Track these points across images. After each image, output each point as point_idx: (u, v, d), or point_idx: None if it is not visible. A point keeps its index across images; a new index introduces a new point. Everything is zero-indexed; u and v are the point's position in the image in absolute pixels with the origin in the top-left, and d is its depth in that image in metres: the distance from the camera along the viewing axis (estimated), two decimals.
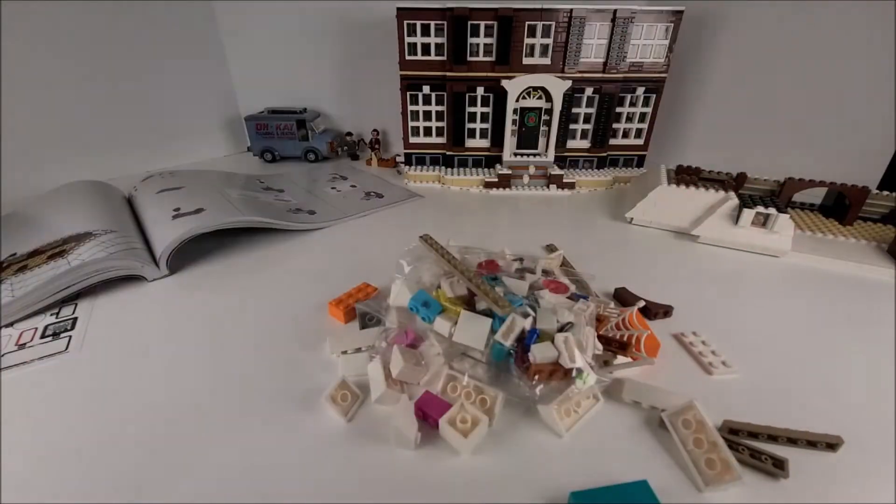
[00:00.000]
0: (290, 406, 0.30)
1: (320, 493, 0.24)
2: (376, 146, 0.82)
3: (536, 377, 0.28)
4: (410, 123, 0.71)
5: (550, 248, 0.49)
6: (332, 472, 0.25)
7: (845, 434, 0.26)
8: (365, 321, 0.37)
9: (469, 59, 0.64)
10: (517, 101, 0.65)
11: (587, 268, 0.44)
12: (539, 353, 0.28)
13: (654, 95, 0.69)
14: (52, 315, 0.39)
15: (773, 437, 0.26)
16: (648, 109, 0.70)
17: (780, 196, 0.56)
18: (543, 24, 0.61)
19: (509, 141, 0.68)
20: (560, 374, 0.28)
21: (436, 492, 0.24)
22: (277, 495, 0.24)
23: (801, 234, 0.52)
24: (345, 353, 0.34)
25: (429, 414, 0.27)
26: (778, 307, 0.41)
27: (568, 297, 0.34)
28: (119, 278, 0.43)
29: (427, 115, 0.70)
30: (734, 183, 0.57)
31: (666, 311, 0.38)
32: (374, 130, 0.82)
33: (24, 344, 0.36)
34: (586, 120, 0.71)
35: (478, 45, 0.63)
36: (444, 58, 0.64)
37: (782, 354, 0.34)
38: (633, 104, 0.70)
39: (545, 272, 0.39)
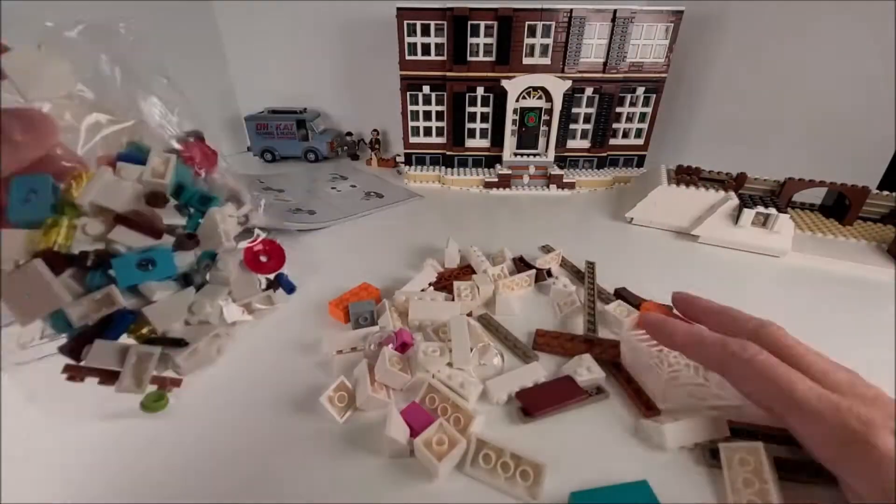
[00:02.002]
0: (289, 406, 0.30)
1: (314, 494, 0.24)
2: (376, 146, 0.82)
3: None
4: (410, 123, 0.71)
5: (546, 249, 0.49)
6: (327, 474, 0.25)
7: None
8: (358, 321, 0.37)
9: (469, 59, 0.64)
10: (517, 101, 0.65)
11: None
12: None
13: (654, 95, 0.69)
14: None
15: (770, 436, 0.26)
16: (648, 109, 0.70)
17: (780, 196, 0.56)
18: (543, 24, 0.61)
19: (509, 141, 0.68)
20: None
21: (435, 491, 0.24)
22: (271, 495, 0.24)
23: (801, 234, 0.52)
24: (340, 352, 0.34)
25: (412, 426, 0.26)
26: (778, 307, 0.41)
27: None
28: None
29: (427, 115, 0.70)
30: (734, 183, 0.57)
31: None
32: (374, 130, 0.82)
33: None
34: (586, 120, 0.71)
35: (478, 45, 0.63)
36: (444, 58, 0.64)
37: None
38: (633, 104, 0.70)
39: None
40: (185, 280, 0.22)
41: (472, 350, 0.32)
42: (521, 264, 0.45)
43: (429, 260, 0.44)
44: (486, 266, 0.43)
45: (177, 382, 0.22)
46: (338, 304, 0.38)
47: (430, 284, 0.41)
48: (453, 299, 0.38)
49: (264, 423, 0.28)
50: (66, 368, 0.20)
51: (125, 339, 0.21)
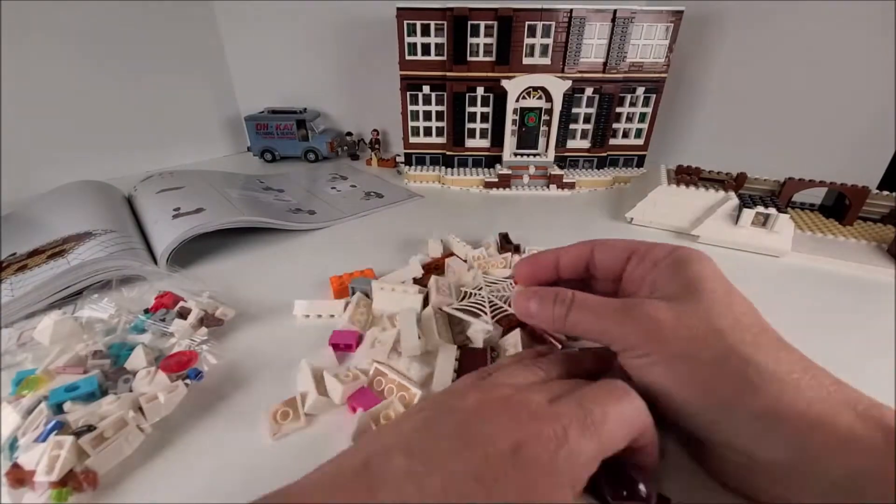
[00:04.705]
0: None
1: None
2: (376, 146, 0.82)
3: None
4: (410, 123, 0.71)
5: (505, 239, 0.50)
6: None
7: None
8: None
9: (469, 59, 0.64)
10: (517, 101, 0.65)
11: None
12: None
13: (654, 95, 0.69)
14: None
15: None
16: (648, 109, 0.70)
17: (780, 196, 0.56)
18: (543, 24, 0.61)
19: (509, 141, 0.68)
20: None
21: None
22: None
23: (801, 234, 0.52)
24: (307, 317, 0.35)
25: (357, 409, 0.27)
26: (778, 307, 0.40)
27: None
28: (119, 278, 0.43)
29: (427, 115, 0.70)
30: (734, 183, 0.57)
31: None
32: (374, 130, 0.82)
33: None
34: (586, 120, 0.71)
35: (478, 45, 0.63)
36: (444, 58, 0.64)
37: None
38: (633, 104, 0.70)
39: None
40: (103, 392, 0.28)
41: (419, 338, 0.32)
42: (507, 245, 0.47)
43: (415, 256, 0.45)
44: (467, 250, 0.45)
45: (91, 480, 0.23)
46: (339, 280, 0.39)
47: (414, 279, 0.42)
48: (427, 292, 0.38)
49: (253, 426, 0.28)
50: (9, 473, 0.22)
51: None
